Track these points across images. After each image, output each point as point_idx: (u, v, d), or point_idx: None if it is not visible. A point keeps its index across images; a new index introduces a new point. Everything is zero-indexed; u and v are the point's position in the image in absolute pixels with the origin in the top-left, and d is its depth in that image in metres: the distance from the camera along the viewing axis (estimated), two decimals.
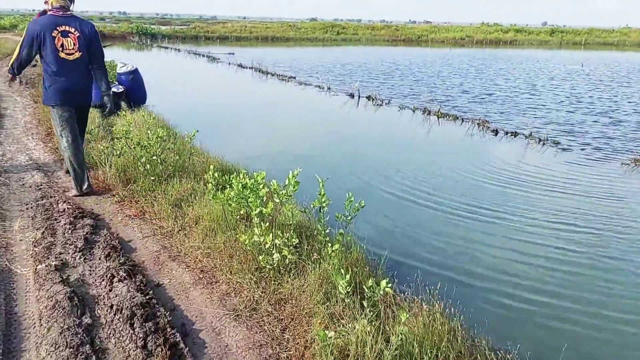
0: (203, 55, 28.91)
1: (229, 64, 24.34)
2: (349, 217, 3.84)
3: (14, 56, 4.80)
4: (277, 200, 3.54)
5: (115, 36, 44.72)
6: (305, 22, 71.92)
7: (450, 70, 23.56)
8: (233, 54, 30.64)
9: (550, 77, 22.06)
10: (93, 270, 3.55)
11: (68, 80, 4.80)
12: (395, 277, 3.82)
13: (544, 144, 9.82)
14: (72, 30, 4.77)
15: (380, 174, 7.39)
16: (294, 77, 19.26)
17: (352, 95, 15.33)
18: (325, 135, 10.55)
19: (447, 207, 6.08)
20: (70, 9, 4.90)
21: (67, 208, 4.57)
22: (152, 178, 5.15)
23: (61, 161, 5.97)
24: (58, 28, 4.70)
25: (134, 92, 10.15)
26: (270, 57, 29.24)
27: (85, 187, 5.15)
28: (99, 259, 3.68)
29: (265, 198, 3.82)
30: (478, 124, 11.41)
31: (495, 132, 10.76)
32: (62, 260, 3.69)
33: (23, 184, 5.34)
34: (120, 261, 3.59)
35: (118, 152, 5.74)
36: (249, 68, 22.26)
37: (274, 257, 3.41)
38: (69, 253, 3.78)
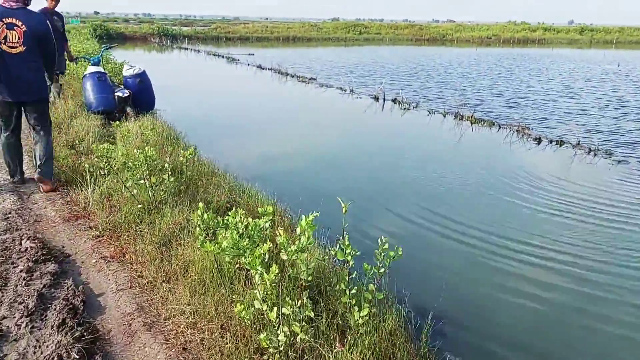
0: (222, 56, 28.15)
1: (248, 65, 23.51)
2: (382, 270, 2.88)
3: None
4: (285, 258, 2.60)
5: (137, 37, 44.33)
6: (328, 22, 70.94)
7: (479, 71, 22.37)
8: (253, 54, 29.85)
9: (587, 78, 20.71)
10: (39, 347, 2.64)
11: (9, 74, 4.69)
12: (444, 348, 2.89)
13: (595, 154, 8.70)
14: (19, 23, 4.64)
15: (412, 197, 6.36)
16: (315, 79, 18.31)
17: (376, 98, 14.32)
18: (347, 143, 9.58)
19: (504, 248, 4.97)
20: (27, 2, 4.81)
21: (31, 247, 3.69)
22: (140, 206, 4.25)
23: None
24: (4, 20, 4.59)
25: (141, 96, 9.31)
26: (291, 57, 28.36)
27: (16, 179, 5.27)
28: (51, 327, 2.78)
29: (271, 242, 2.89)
30: (517, 130, 10.32)
31: (538, 140, 9.67)
32: (1, 329, 2.80)
33: None
34: (76, 335, 2.68)
35: (104, 171, 4.87)
36: (269, 69, 21.40)
37: (279, 337, 2.47)
38: (15, 317, 2.89)
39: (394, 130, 10.99)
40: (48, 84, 5.17)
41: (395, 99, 13.84)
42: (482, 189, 6.71)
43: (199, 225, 2.95)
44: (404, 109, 12.93)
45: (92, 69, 9.07)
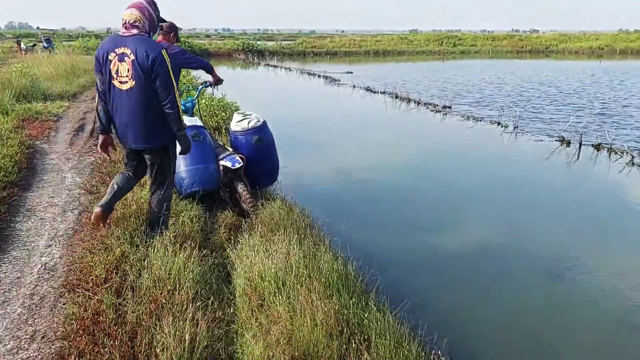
0: (318, 76, 24.75)
1: (354, 87, 19.93)
2: None
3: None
4: None
5: (221, 54, 42.20)
6: (417, 34, 66.84)
7: (615, 89, 17.69)
8: (352, 72, 26.33)
9: None
10: None
11: (118, 114, 3.80)
12: None
13: None
14: (128, 52, 3.61)
15: None
16: (449, 107, 14.40)
17: (563, 141, 10.20)
18: (561, 230, 5.64)
19: None
20: (153, 32, 3.82)
21: None
22: None
23: None
24: (116, 50, 3.65)
25: (259, 164, 5.80)
26: (392, 75, 24.55)
27: (100, 207, 4.04)
28: None
29: None
30: None
31: None
32: None
33: None
34: None
35: None
36: (380, 93, 17.72)
37: None
38: None
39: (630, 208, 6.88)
40: None
41: (600, 144, 9.66)
42: None
43: None
44: (629, 163, 8.75)
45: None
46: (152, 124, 3.79)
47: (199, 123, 5.84)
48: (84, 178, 5.97)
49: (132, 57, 3.60)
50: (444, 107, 14.56)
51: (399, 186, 7.59)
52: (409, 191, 7.35)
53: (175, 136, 3.97)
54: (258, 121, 5.86)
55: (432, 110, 14.26)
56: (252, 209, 5.31)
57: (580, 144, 9.89)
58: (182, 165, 5.47)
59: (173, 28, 5.77)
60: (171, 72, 3.66)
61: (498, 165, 9.05)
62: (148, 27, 3.74)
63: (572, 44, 53.17)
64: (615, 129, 11.32)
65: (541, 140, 10.46)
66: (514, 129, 11.52)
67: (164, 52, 3.62)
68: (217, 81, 6.27)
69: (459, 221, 6.29)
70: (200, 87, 6.42)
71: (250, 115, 5.96)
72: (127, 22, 3.66)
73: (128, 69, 3.62)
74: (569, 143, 10.07)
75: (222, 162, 5.52)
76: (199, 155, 5.49)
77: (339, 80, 22.39)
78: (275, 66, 32.16)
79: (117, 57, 3.63)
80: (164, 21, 4.16)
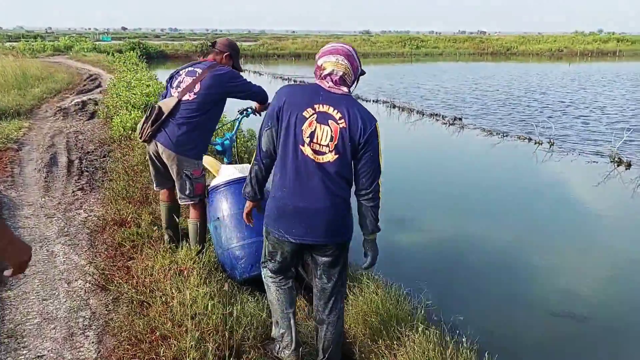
0: (294, 81, 23.01)
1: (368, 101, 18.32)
2: None
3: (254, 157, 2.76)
4: None
5: (179, 56, 39.73)
6: (379, 35, 66.00)
7: (610, 95, 16.95)
8: None
9: None
10: None
11: (294, 191, 2.57)
12: None
13: None
14: (337, 116, 2.52)
15: None
16: (460, 119, 13.03)
17: (617, 161, 8.95)
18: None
19: None
20: (351, 89, 2.67)
21: None
22: None
23: None
24: (316, 107, 2.53)
25: None
26: (371, 79, 23.09)
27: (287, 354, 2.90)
28: None
29: None
30: None
31: None
32: None
33: None
34: None
35: None
36: (374, 102, 16.25)
37: None
38: None
39: None
40: None
41: None
42: None
43: None
44: None
45: (224, 170, 4.06)
46: (343, 211, 2.67)
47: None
48: (83, 254, 4.12)
49: (343, 123, 2.55)
50: (455, 118, 13.18)
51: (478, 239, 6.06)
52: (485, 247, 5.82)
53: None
54: None
55: (443, 123, 12.83)
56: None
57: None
58: (234, 239, 3.79)
59: (233, 48, 4.07)
60: (380, 149, 2.63)
61: (567, 198, 7.64)
62: (351, 82, 2.68)
63: (532, 46, 53.45)
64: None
65: (595, 162, 9.15)
66: (550, 147, 10.21)
67: (377, 124, 2.62)
68: (264, 108, 4.54)
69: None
70: (240, 117, 4.65)
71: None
72: (334, 73, 2.59)
73: (332, 137, 2.54)
74: (629, 165, 8.80)
75: None
76: (259, 221, 3.78)
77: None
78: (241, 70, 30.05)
79: (316, 115, 2.55)
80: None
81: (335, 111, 2.53)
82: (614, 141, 9.81)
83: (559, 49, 51.72)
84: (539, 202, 7.27)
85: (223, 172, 4.04)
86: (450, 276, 5.02)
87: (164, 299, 3.26)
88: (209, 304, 3.04)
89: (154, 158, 3.90)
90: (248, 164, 4.19)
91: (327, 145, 2.52)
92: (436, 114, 13.85)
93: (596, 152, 9.75)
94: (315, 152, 2.53)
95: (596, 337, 4.13)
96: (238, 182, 3.91)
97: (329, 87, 2.56)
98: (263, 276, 2.93)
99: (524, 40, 56.97)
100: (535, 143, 10.54)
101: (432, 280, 4.67)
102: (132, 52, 31.94)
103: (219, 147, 4.55)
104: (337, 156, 2.53)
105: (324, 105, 2.53)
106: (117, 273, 3.73)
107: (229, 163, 4.64)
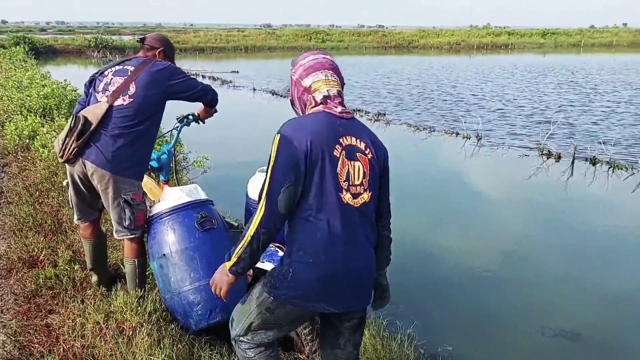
0: (202, 76, 21.82)
1: (254, 89, 17.57)
2: None
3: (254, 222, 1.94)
4: None
5: (70, 50, 36.93)
6: (284, 29, 65.34)
7: (518, 87, 17.68)
8: (237, 72, 23.78)
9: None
10: None
11: (352, 254, 1.99)
12: None
13: None
14: (363, 147, 2.06)
15: None
16: (384, 114, 12.75)
17: (549, 155, 8.99)
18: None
19: None
20: None
21: None
22: None
23: None
24: (342, 141, 2.01)
25: None
26: (282, 73, 22.44)
27: None
28: None
29: None
30: None
31: None
32: None
33: None
34: None
35: None
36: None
37: None
38: None
39: None
40: None
41: (595, 158, 8.55)
42: None
43: None
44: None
45: (168, 194, 3.29)
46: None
47: (201, 193, 3.37)
48: None
49: (370, 154, 2.09)
50: (379, 114, 12.91)
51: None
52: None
53: None
54: None
55: (368, 119, 12.49)
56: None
57: (574, 157, 8.70)
58: (186, 280, 3.05)
59: (166, 44, 3.29)
60: None
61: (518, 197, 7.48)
62: None
63: (432, 40, 55.27)
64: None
65: (527, 155, 9.15)
66: (478, 141, 10.15)
67: None
68: (210, 113, 3.79)
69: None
70: (180, 126, 3.85)
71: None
72: (331, 95, 2.09)
73: (364, 173, 2.05)
74: (559, 157, 8.86)
75: (263, 265, 3.18)
76: (217, 256, 3.08)
77: (231, 82, 19.83)
78: None
79: (344, 152, 2.01)
80: None
81: (359, 141, 2.07)
82: (538, 134, 9.92)
83: (457, 42, 53.87)
84: (478, 198, 7.08)
85: (167, 196, 3.26)
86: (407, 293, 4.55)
87: None
88: None
89: (79, 182, 3.06)
90: (195, 185, 3.46)
91: (362, 184, 2.04)
92: (359, 110, 13.53)
93: (524, 145, 9.79)
94: (353, 195, 2.01)
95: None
96: (187, 208, 3.16)
97: (340, 112, 2.05)
98: (242, 352, 2.24)
99: (423, 34, 58.76)
100: (463, 137, 10.47)
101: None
102: (17, 47, 29.19)
103: (154, 163, 3.73)
104: (370, 193, 2.07)
105: (348, 137, 2.04)
106: (36, 337, 2.86)
107: (166, 182, 3.84)
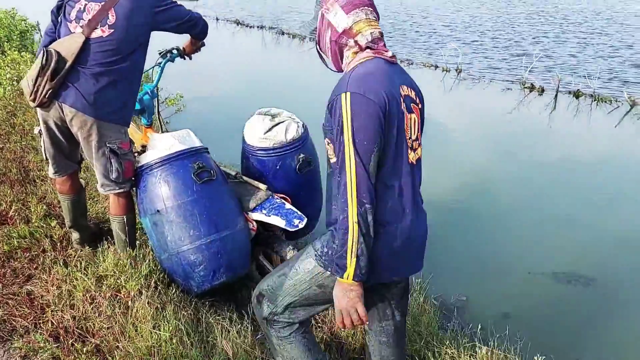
0: None
1: (217, 19, 16.58)
2: None
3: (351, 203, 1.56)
4: None
5: None
6: None
7: (490, 18, 17.29)
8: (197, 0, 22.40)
9: None
10: None
11: (413, 219, 1.73)
12: None
13: None
14: (414, 95, 1.79)
15: None
16: (411, 61, 12.20)
17: (532, 88, 8.78)
18: None
19: None
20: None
21: None
22: None
23: None
24: (403, 90, 1.72)
25: (302, 199, 3.14)
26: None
27: None
28: None
29: None
30: None
31: None
32: None
33: None
34: None
35: None
36: (258, 27, 14.80)
37: None
38: None
39: None
40: None
41: (578, 91, 8.38)
42: None
43: None
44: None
45: (157, 141, 2.87)
46: None
47: (195, 140, 2.98)
48: None
49: (420, 104, 1.80)
50: None
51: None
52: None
53: None
54: (298, 126, 3.18)
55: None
56: None
57: (557, 91, 8.50)
58: (186, 239, 2.71)
59: None
60: None
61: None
62: None
63: None
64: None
65: (509, 89, 8.91)
66: (458, 74, 9.85)
67: None
68: (197, 47, 3.35)
69: None
70: (163, 62, 3.38)
71: (280, 115, 3.22)
72: (374, 38, 1.76)
73: (419, 126, 1.79)
74: (542, 90, 8.66)
75: (256, 216, 2.87)
76: (218, 210, 2.76)
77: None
78: None
79: (404, 105, 1.68)
80: None
81: (411, 90, 1.78)
82: (518, 67, 9.69)
83: None
84: (466, 134, 6.86)
85: (156, 144, 2.85)
86: None
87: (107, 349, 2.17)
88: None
89: (55, 129, 2.63)
90: (187, 130, 3.05)
91: (417, 139, 1.79)
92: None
93: (506, 79, 9.53)
94: (414, 150, 1.76)
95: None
96: (181, 157, 2.78)
97: (391, 57, 1.76)
98: (276, 332, 1.95)
99: None
100: (443, 70, 10.13)
101: None
102: None
103: (137, 105, 3.29)
104: (420, 148, 1.83)
105: (404, 87, 1.74)
106: (17, 308, 2.51)
107: (149, 126, 3.42)
